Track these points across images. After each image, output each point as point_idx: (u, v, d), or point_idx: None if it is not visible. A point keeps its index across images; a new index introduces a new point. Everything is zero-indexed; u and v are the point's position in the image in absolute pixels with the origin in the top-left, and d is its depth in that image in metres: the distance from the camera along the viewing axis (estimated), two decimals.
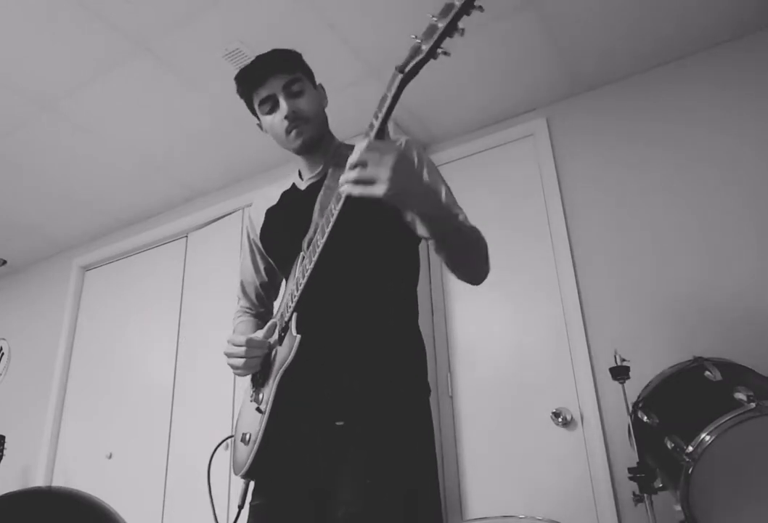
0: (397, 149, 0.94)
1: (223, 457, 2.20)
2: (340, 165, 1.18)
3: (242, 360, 1.17)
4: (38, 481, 3.45)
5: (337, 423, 1.10)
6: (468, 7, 0.86)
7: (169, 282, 3.48)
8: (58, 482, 3.40)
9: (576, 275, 2.46)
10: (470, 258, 1.15)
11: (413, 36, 0.90)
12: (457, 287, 2.75)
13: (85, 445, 3.44)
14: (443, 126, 2.94)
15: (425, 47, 0.88)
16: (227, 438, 1.36)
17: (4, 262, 4.00)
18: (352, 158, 0.93)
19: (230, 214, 3.33)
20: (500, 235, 2.70)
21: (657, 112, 2.53)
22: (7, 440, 3.31)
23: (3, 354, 4.16)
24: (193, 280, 3.37)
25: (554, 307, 2.47)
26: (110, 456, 3.26)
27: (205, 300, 3.20)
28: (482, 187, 2.84)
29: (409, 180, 0.94)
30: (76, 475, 3.38)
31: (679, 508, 1.44)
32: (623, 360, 1.83)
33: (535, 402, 2.37)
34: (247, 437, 1.17)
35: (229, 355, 1.20)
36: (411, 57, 0.90)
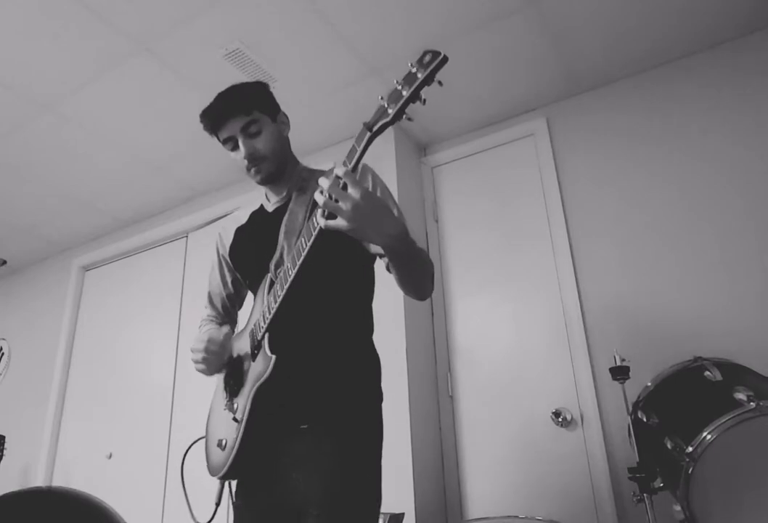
0: (361, 187, 1.01)
1: None
2: (303, 190, 1.37)
3: (201, 355, 1.31)
4: (38, 481, 3.45)
5: (302, 426, 1.25)
6: (429, 80, 0.96)
7: (169, 282, 3.48)
8: (58, 482, 3.40)
9: (576, 275, 2.46)
10: (419, 278, 1.28)
11: (380, 97, 1.00)
12: (457, 287, 2.75)
13: (85, 445, 3.44)
14: (443, 126, 2.94)
15: (391, 111, 0.98)
16: (198, 440, 1.47)
17: (4, 262, 4.00)
18: (323, 183, 1.02)
19: (230, 214, 3.33)
20: (500, 235, 2.71)
21: (657, 112, 2.53)
22: (7, 440, 3.31)
23: (3, 354, 4.16)
24: (193, 280, 3.37)
25: (554, 307, 2.47)
26: (110, 456, 3.26)
27: (205, 300, 3.20)
28: (482, 188, 2.84)
29: (372, 215, 1.03)
30: (76, 475, 3.38)
31: (679, 508, 1.44)
32: (623, 360, 1.83)
33: (535, 402, 2.37)
34: (223, 443, 1.30)
35: (192, 349, 1.34)
36: (378, 117, 1.00)
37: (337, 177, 1.02)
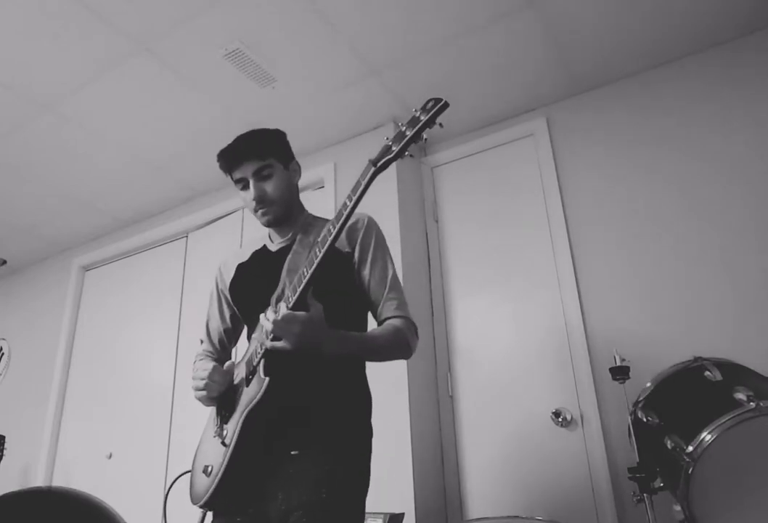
0: (301, 321, 1.14)
1: None
2: (307, 233, 1.43)
3: (204, 382, 1.32)
4: (38, 481, 3.45)
5: (292, 452, 1.25)
6: (430, 123, 1.07)
7: (169, 282, 3.48)
8: (58, 482, 3.40)
9: (576, 275, 2.46)
10: (385, 358, 1.37)
11: (385, 138, 1.12)
12: (457, 287, 2.75)
13: (85, 445, 3.44)
14: (443, 126, 2.93)
15: (395, 149, 1.09)
16: (183, 474, 1.44)
17: (4, 262, 4.00)
18: (267, 326, 1.16)
19: (230, 214, 3.33)
20: (500, 234, 2.71)
21: (657, 112, 2.53)
22: (7, 440, 3.31)
23: (3, 354, 4.16)
24: (193, 280, 3.37)
25: (554, 307, 2.46)
26: (110, 456, 3.26)
27: (205, 300, 3.20)
28: (482, 187, 2.84)
29: (312, 340, 1.16)
30: (76, 475, 3.38)
31: (678, 508, 1.44)
32: (623, 360, 1.83)
33: (535, 402, 2.37)
34: (209, 469, 1.28)
35: (194, 377, 1.36)
36: (382, 155, 1.11)
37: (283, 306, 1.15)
